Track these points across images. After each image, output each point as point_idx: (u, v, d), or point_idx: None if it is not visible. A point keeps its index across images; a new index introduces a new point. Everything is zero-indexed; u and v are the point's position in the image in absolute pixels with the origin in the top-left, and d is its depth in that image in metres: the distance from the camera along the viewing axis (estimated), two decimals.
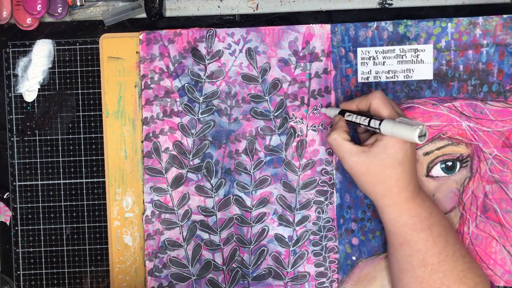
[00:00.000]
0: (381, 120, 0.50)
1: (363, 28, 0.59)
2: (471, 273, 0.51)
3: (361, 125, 0.52)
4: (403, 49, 0.59)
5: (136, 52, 0.60)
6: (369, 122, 0.51)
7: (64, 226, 0.61)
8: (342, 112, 0.55)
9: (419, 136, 0.47)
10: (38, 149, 0.61)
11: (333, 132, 0.53)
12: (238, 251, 0.60)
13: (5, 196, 0.61)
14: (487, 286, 0.52)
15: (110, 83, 0.60)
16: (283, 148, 0.60)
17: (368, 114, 0.53)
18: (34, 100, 0.61)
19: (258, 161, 0.60)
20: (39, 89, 0.61)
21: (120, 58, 0.60)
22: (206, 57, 0.60)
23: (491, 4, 0.60)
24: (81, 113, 0.61)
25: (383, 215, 0.53)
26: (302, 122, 0.60)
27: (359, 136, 0.57)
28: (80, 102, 0.61)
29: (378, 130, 0.50)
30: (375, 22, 0.59)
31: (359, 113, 0.54)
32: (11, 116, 0.61)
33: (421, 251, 0.51)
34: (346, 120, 0.54)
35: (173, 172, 0.60)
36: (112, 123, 0.60)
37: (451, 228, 0.53)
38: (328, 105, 0.59)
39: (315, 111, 0.60)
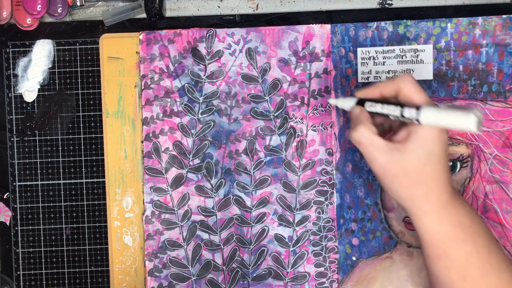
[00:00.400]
0: (417, 107, 0.43)
1: (363, 28, 0.59)
2: None
3: (391, 116, 0.44)
4: (403, 49, 0.59)
5: (136, 52, 0.60)
6: (401, 111, 0.43)
7: (64, 226, 0.61)
8: (362, 102, 0.47)
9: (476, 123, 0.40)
10: (38, 149, 0.61)
11: (359, 127, 0.45)
12: (238, 251, 0.60)
13: (5, 196, 0.61)
14: None
15: (110, 83, 0.60)
16: (283, 148, 0.60)
17: (395, 102, 0.45)
18: (34, 100, 0.61)
19: (258, 161, 0.60)
20: (39, 89, 0.61)
21: (120, 58, 0.60)
22: (206, 57, 0.60)
23: (491, 4, 0.60)
24: (81, 113, 0.61)
25: (419, 223, 0.45)
26: (302, 122, 0.60)
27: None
28: (80, 102, 0.61)
29: (416, 121, 0.43)
30: (375, 22, 0.59)
31: (386, 101, 0.45)
32: (11, 116, 0.61)
33: (462, 266, 0.44)
34: (369, 112, 0.46)
35: (173, 172, 0.60)
36: (112, 123, 0.60)
37: (492, 235, 0.47)
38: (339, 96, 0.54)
39: (315, 111, 0.59)
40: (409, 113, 0.43)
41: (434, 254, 0.45)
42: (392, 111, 0.44)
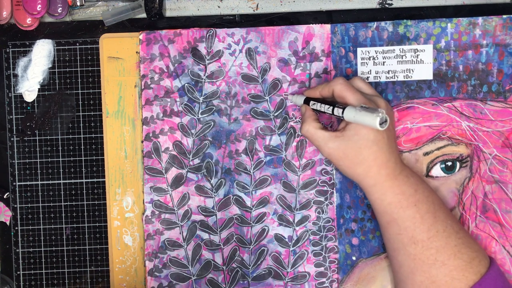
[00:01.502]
0: (343, 108, 0.51)
1: (363, 28, 0.59)
2: (466, 248, 0.50)
3: (326, 113, 0.53)
4: (403, 49, 0.59)
5: (136, 52, 0.60)
6: (332, 110, 0.52)
7: (64, 226, 0.61)
8: (307, 100, 0.56)
9: (380, 123, 0.48)
10: (38, 149, 0.61)
11: (304, 124, 0.54)
12: (238, 251, 0.60)
13: (5, 196, 0.61)
14: (484, 260, 0.51)
15: (110, 83, 0.60)
16: (283, 148, 0.60)
17: (332, 101, 0.53)
18: (34, 100, 0.61)
19: (258, 161, 0.60)
20: (39, 89, 0.61)
21: (120, 58, 0.60)
22: (206, 57, 0.60)
23: (491, 4, 0.60)
24: (81, 113, 0.61)
25: (368, 195, 0.53)
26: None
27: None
28: (80, 102, 0.61)
29: (342, 118, 0.51)
30: (375, 22, 0.59)
31: (323, 101, 0.54)
32: (11, 116, 0.61)
33: (409, 229, 0.50)
34: (312, 109, 0.55)
35: (173, 172, 0.60)
36: (112, 123, 0.60)
37: (441, 204, 0.53)
38: (295, 93, 0.60)
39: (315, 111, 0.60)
40: (337, 111, 0.52)
41: (384, 221, 0.52)
42: (326, 109, 0.53)
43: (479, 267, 0.50)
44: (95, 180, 0.61)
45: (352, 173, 0.52)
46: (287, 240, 0.60)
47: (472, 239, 0.53)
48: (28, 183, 0.61)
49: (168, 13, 0.62)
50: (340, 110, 0.51)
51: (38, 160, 0.61)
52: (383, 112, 0.48)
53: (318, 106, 0.54)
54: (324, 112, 0.53)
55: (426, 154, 0.58)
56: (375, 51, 0.59)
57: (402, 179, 0.51)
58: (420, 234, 0.50)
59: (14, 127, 0.61)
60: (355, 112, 0.49)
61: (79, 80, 0.61)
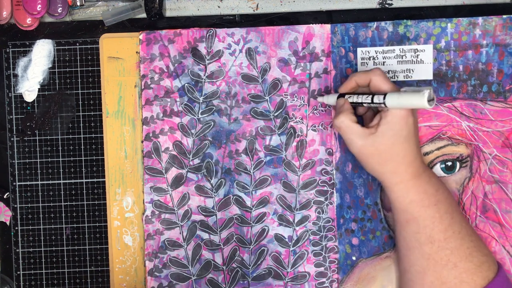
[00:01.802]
0: (385, 94, 0.50)
1: (363, 28, 0.59)
2: (477, 252, 0.51)
3: (364, 104, 0.52)
4: (403, 49, 0.59)
5: (136, 52, 0.60)
6: (372, 98, 0.51)
7: (64, 226, 0.61)
8: (341, 96, 0.55)
9: (428, 100, 0.47)
10: (38, 149, 0.61)
11: (340, 115, 0.52)
12: (238, 251, 0.60)
13: (5, 196, 0.61)
14: (493, 266, 0.52)
15: (110, 83, 0.60)
16: (283, 148, 0.60)
17: (369, 93, 0.52)
18: (34, 100, 0.61)
19: (258, 161, 0.60)
20: (39, 89, 0.61)
21: (120, 58, 0.60)
22: (206, 57, 0.60)
23: (491, 4, 0.60)
24: (81, 113, 0.61)
25: (391, 193, 0.53)
26: (302, 122, 0.60)
27: (363, 118, 0.57)
28: (80, 102, 0.61)
29: (383, 105, 0.50)
30: (375, 22, 0.59)
31: (360, 92, 0.53)
32: (11, 116, 0.61)
33: (428, 228, 0.51)
34: (350, 102, 0.54)
35: (173, 172, 0.60)
36: (112, 123, 0.60)
37: (458, 207, 0.53)
38: (321, 93, 0.59)
39: (315, 111, 0.60)
40: (378, 99, 0.50)
41: (403, 219, 0.52)
42: (365, 99, 0.52)
43: (487, 272, 0.51)
44: (95, 180, 0.61)
45: (381, 170, 0.52)
46: (287, 240, 0.60)
47: (483, 243, 0.53)
48: (28, 183, 0.61)
49: (168, 13, 0.62)
50: (381, 97, 0.50)
51: (38, 160, 0.61)
52: (431, 89, 0.47)
53: (355, 98, 0.53)
54: (362, 103, 0.52)
55: (426, 154, 0.58)
56: (375, 51, 0.59)
57: (424, 178, 0.52)
58: (438, 234, 0.51)
59: (14, 127, 0.61)
60: (399, 95, 0.48)
61: (79, 80, 0.61)
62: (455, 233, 0.51)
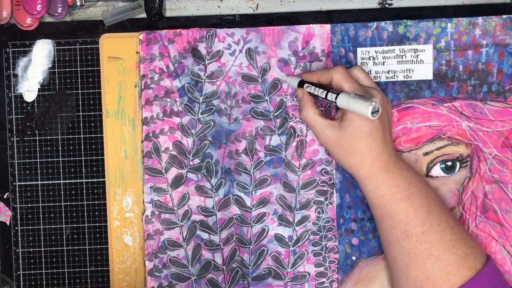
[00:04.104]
0: (337, 93, 0.51)
1: (363, 28, 0.59)
2: (461, 244, 0.50)
3: (319, 97, 0.53)
4: (403, 49, 0.59)
5: (136, 52, 0.60)
6: (326, 94, 0.52)
7: (64, 226, 0.61)
8: (302, 83, 0.56)
9: (372, 112, 0.48)
10: (38, 149, 0.61)
11: (303, 109, 0.54)
12: (238, 251, 0.60)
13: (5, 196, 0.61)
14: (480, 257, 0.51)
15: (110, 83, 0.60)
16: (283, 148, 0.60)
17: (327, 86, 0.53)
18: (34, 100, 0.61)
19: (258, 161, 0.60)
20: (39, 89, 0.61)
21: (120, 58, 0.60)
22: (206, 57, 0.60)
23: (492, 4, 0.60)
24: (81, 113, 0.61)
25: (362, 187, 0.53)
26: (302, 122, 0.60)
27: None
28: (80, 102, 0.61)
29: (334, 103, 0.51)
30: (375, 22, 0.59)
31: (318, 85, 0.54)
32: (11, 116, 0.61)
33: (402, 222, 0.50)
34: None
35: (173, 172, 0.60)
36: (112, 123, 0.60)
37: (436, 199, 0.52)
38: (291, 74, 0.60)
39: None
40: (330, 97, 0.52)
41: (378, 214, 0.52)
42: (320, 93, 0.53)
43: (474, 263, 0.50)
44: (95, 180, 0.61)
45: (346, 163, 0.53)
46: (287, 240, 0.60)
47: (468, 235, 0.52)
48: (28, 183, 0.61)
49: (168, 13, 0.62)
50: (334, 96, 0.51)
51: (38, 160, 0.61)
52: (377, 102, 0.48)
53: (312, 89, 0.54)
54: (318, 96, 0.53)
55: (426, 154, 0.58)
56: (375, 51, 0.59)
57: (396, 172, 0.51)
58: (414, 228, 0.50)
59: (14, 127, 0.61)
60: (348, 99, 0.50)
61: (79, 80, 0.61)
62: (433, 226, 0.50)
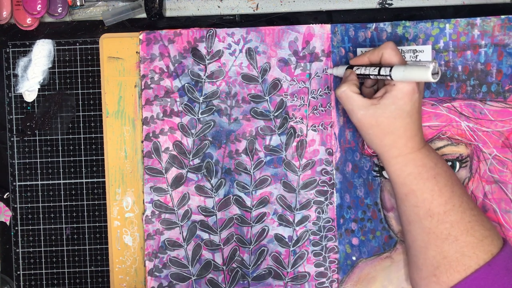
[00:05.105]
0: (391, 66, 0.50)
1: (362, 29, 0.59)
2: (479, 226, 0.51)
3: (371, 76, 0.52)
4: (402, 50, 0.59)
5: (136, 52, 0.60)
6: (379, 70, 0.51)
7: (64, 226, 0.61)
8: (351, 68, 0.55)
9: (433, 74, 0.47)
10: (38, 149, 0.61)
11: (342, 85, 0.53)
12: (238, 251, 0.60)
13: (5, 196, 0.61)
14: (497, 241, 0.51)
15: (110, 83, 0.60)
16: (283, 148, 0.60)
17: (377, 65, 0.53)
18: (34, 100, 0.61)
19: (258, 161, 0.60)
20: (39, 89, 0.61)
21: (120, 58, 0.60)
22: (206, 57, 0.60)
23: (491, 4, 0.60)
24: (81, 113, 0.61)
25: (389, 166, 0.53)
26: (302, 122, 0.60)
27: (364, 92, 0.57)
28: (80, 102, 0.61)
29: (389, 77, 0.50)
30: (374, 23, 0.59)
31: (368, 64, 0.54)
32: (11, 116, 0.61)
33: (427, 201, 0.51)
34: (357, 74, 0.54)
35: (173, 172, 0.60)
36: (112, 123, 0.60)
37: (458, 181, 0.53)
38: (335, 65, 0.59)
39: (315, 111, 0.60)
40: (384, 71, 0.51)
41: (402, 192, 0.52)
42: (372, 71, 0.52)
43: (490, 246, 0.50)
44: (95, 180, 0.61)
45: (379, 142, 0.52)
46: (287, 240, 0.60)
47: (486, 218, 0.53)
48: (28, 183, 0.61)
49: (168, 13, 0.62)
50: (388, 69, 0.50)
51: (38, 160, 0.61)
52: (436, 63, 0.48)
53: (363, 70, 0.53)
54: (369, 75, 0.52)
55: None
56: None
57: (424, 152, 0.52)
58: (437, 207, 0.51)
59: (14, 127, 0.61)
60: (405, 68, 0.49)
61: (79, 80, 0.61)
62: (455, 206, 0.51)
